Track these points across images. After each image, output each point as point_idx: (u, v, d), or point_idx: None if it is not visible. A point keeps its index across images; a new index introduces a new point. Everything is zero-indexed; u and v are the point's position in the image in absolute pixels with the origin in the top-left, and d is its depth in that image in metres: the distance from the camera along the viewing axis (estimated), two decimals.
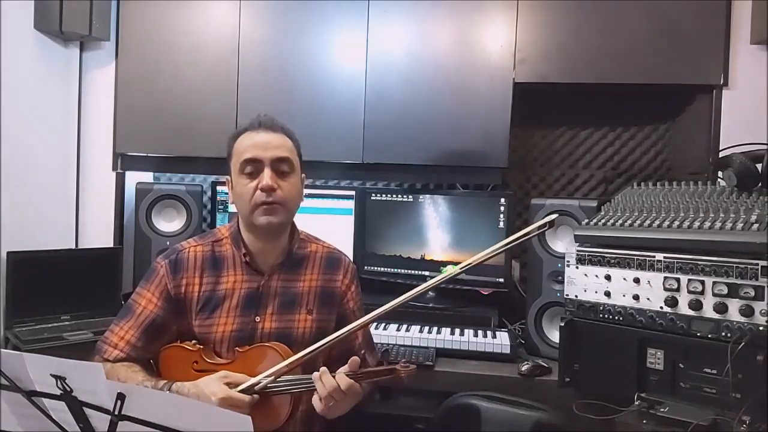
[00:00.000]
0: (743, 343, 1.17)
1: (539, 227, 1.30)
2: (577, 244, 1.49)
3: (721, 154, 1.55)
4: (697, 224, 1.30)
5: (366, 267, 2.27)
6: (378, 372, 1.28)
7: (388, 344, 1.87)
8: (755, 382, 1.17)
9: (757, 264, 1.19)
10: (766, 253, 1.18)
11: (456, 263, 2.13)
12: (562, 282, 1.62)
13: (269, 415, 1.29)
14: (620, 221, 1.44)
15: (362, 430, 1.82)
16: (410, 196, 2.23)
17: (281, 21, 2.22)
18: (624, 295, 1.38)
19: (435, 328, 1.95)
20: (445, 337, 1.88)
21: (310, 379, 1.26)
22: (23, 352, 1.28)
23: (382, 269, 2.26)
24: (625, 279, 1.38)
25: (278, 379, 1.28)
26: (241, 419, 0.93)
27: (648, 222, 1.39)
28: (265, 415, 1.28)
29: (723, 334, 1.23)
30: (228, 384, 1.27)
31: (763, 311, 1.18)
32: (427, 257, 2.19)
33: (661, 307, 1.32)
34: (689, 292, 1.28)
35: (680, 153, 2.25)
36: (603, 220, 1.47)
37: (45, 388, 1.00)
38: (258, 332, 1.41)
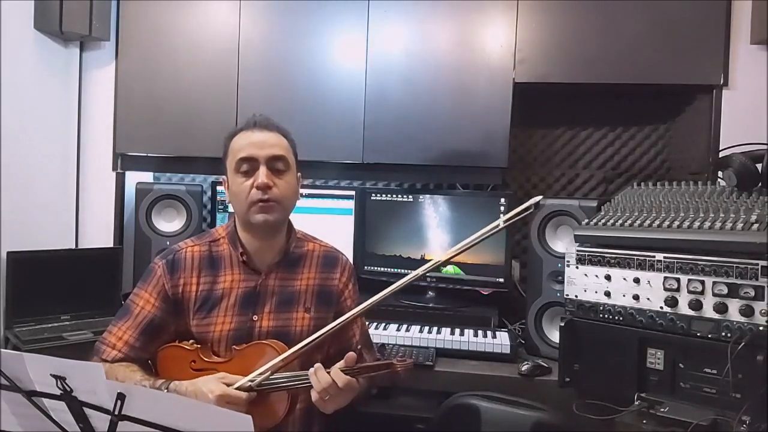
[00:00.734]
0: (743, 343, 1.17)
1: (524, 209, 1.29)
2: (577, 244, 1.49)
3: (721, 154, 1.56)
4: (697, 224, 1.30)
5: (366, 267, 2.27)
6: (375, 367, 1.28)
7: (388, 344, 1.87)
8: (755, 382, 1.17)
9: (757, 264, 1.19)
10: (766, 253, 1.18)
11: (456, 263, 2.14)
12: (562, 282, 1.62)
13: (267, 412, 1.29)
14: (620, 221, 1.44)
15: (362, 430, 1.82)
16: (410, 196, 2.23)
17: (281, 21, 2.22)
18: (624, 295, 1.38)
19: (435, 328, 1.95)
20: (445, 337, 1.88)
21: (307, 375, 1.26)
22: (23, 352, 1.28)
23: (382, 269, 2.26)
24: (625, 279, 1.38)
25: (275, 376, 1.28)
26: (241, 419, 0.93)
27: (648, 222, 1.39)
28: (263, 412, 1.28)
29: (723, 334, 1.22)
30: (226, 384, 1.27)
31: (763, 311, 1.18)
32: (427, 257, 2.19)
33: (661, 307, 1.32)
34: (689, 292, 1.28)
35: (680, 153, 2.25)
36: (603, 220, 1.47)
37: (45, 388, 1.00)
38: (256, 331, 1.41)
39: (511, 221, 1.31)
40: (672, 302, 1.30)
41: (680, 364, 1.31)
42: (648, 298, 1.34)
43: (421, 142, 2.15)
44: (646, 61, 2.02)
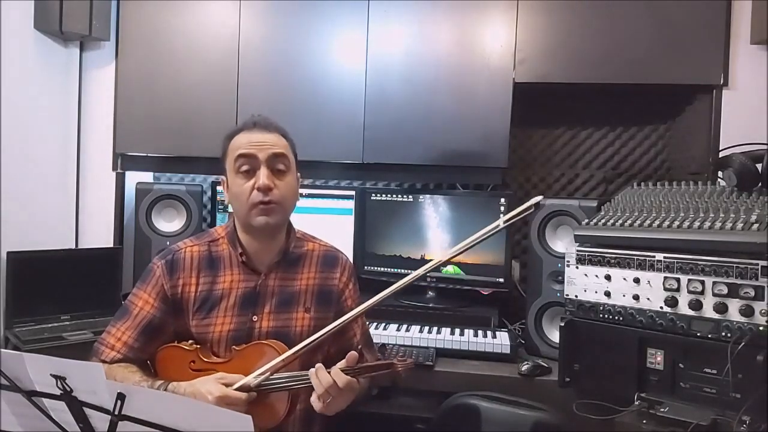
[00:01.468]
0: (743, 343, 1.18)
1: (524, 210, 1.28)
2: (577, 244, 1.49)
3: (721, 154, 1.56)
4: (697, 224, 1.31)
5: (366, 267, 2.27)
6: (375, 367, 1.28)
7: (388, 344, 1.87)
8: (755, 382, 1.17)
9: (757, 264, 1.19)
10: (766, 253, 1.18)
11: (456, 263, 2.14)
12: (562, 282, 1.62)
13: (267, 413, 1.29)
14: (620, 221, 1.44)
15: (362, 430, 1.82)
16: (410, 196, 2.23)
17: (281, 21, 2.22)
18: (624, 295, 1.38)
19: (435, 328, 1.95)
20: (445, 337, 1.88)
21: (307, 375, 1.26)
22: (23, 352, 1.28)
23: (382, 269, 2.26)
24: (625, 279, 1.38)
25: (275, 376, 1.28)
26: (241, 419, 0.93)
27: (648, 222, 1.39)
28: (263, 412, 1.28)
29: (723, 334, 1.23)
30: (225, 384, 1.27)
31: (763, 311, 1.18)
32: (427, 257, 2.19)
33: (661, 307, 1.32)
34: (689, 292, 1.28)
35: (680, 153, 2.25)
36: (603, 220, 1.47)
37: (45, 388, 1.00)
38: (255, 331, 1.41)
39: (511, 221, 1.31)
40: (672, 302, 1.30)
41: (680, 364, 1.32)
42: (648, 298, 1.35)
43: (421, 142, 2.15)
44: (646, 61, 2.02)
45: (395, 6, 2.15)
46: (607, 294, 1.41)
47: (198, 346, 1.40)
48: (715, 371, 1.26)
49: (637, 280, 1.36)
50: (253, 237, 1.45)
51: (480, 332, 1.91)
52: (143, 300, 1.43)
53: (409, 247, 2.22)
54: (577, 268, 1.47)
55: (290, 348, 1.32)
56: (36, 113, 2.18)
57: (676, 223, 1.34)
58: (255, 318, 1.42)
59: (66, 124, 2.34)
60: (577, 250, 1.47)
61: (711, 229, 1.27)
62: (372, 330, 1.90)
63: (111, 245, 2.36)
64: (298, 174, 1.49)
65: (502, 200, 2.10)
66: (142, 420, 0.96)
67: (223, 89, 2.24)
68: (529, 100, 2.18)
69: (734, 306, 1.22)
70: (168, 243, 2.16)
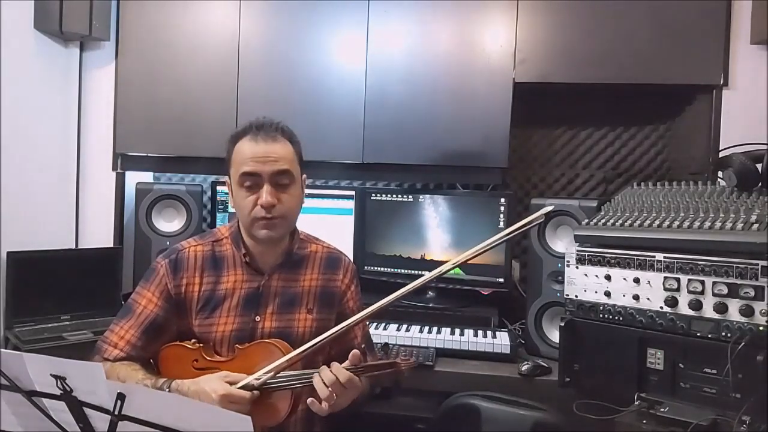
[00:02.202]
0: (743, 343, 1.17)
1: (534, 219, 1.29)
2: (577, 244, 1.49)
3: (721, 154, 1.56)
4: (697, 224, 1.30)
5: (366, 267, 2.27)
6: (378, 366, 1.28)
7: (394, 346, 1.87)
8: (755, 382, 1.17)
9: (757, 264, 1.19)
10: (766, 253, 1.18)
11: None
12: (562, 282, 1.62)
13: (269, 412, 1.29)
14: (620, 221, 1.44)
15: (362, 430, 1.82)
16: (410, 196, 2.23)
17: (281, 21, 2.22)
18: (624, 295, 1.38)
19: (435, 328, 1.95)
20: (445, 337, 1.88)
21: (310, 374, 1.26)
22: (23, 352, 1.28)
23: (382, 269, 2.26)
24: (625, 279, 1.38)
25: (278, 375, 1.28)
26: (241, 419, 0.93)
27: (648, 222, 1.39)
28: (266, 411, 1.28)
29: (723, 334, 1.23)
30: (229, 383, 1.27)
31: (763, 311, 1.18)
32: (427, 257, 2.19)
33: (661, 307, 1.32)
34: (689, 292, 1.28)
35: (680, 153, 2.25)
36: (603, 220, 1.47)
37: (45, 388, 1.00)
38: (258, 332, 1.41)
39: (521, 231, 1.31)
40: (672, 302, 1.30)
41: (680, 364, 1.32)
42: (648, 298, 1.34)
43: (421, 142, 2.15)
44: (646, 61, 2.02)
45: (395, 6, 2.15)
46: (607, 294, 1.41)
47: (201, 345, 1.40)
48: (715, 371, 1.25)
49: (637, 280, 1.36)
50: (256, 242, 1.45)
51: (480, 332, 1.91)
52: (147, 299, 1.43)
53: (409, 247, 2.22)
54: (577, 268, 1.47)
55: (293, 348, 1.32)
56: (36, 113, 2.18)
57: (676, 223, 1.34)
58: (258, 318, 1.42)
59: (66, 124, 2.34)
60: (577, 250, 1.47)
61: (711, 229, 1.27)
62: (372, 330, 1.90)
63: (111, 245, 2.36)
64: (304, 176, 1.48)
65: (502, 200, 2.10)
66: (142, 420, 0.96)
67: (223, 89, 2.24)
68: (529, 100, 2.18)
69: (734, 306, 1.22)
70: (168, 243, 2.16)
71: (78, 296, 2.16)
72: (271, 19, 2.23)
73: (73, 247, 2.37)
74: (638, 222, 1.40)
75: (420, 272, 2.17)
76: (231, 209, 2.33)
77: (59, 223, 2.33)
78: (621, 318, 1.39)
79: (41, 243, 2.16)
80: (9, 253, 2.03)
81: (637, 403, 1.32)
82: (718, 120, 1.98)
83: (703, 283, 1.26)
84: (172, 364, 1.41)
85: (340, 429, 1.51)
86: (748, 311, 1.19)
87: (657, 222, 1.37)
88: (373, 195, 2.29)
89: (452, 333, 1.91)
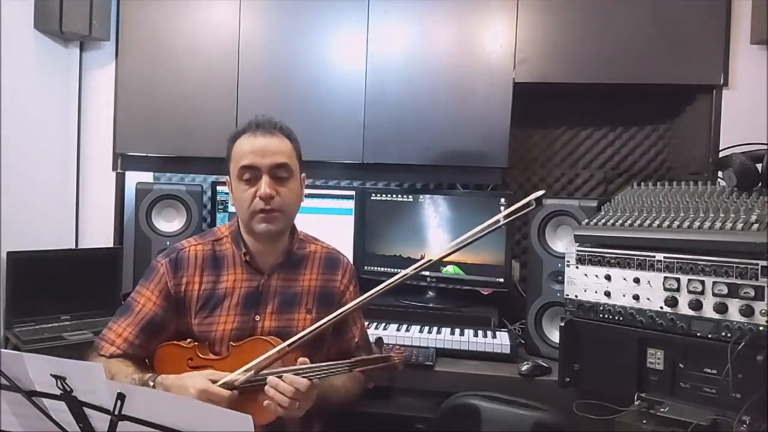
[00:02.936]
0: (743, 343, 1.17)
1: (525, 205, 1.28)
2: (577, 244, 1.49)
3: (721, 154, 1.55)
4: (697, 224, 1.30)
5: (366, 267, 2.27)
6: (373, 360, 1.28)
7: (388, 344, 1.87)
8: (755, 382, 1.17)
9: (757, 264, 1.19)
10: (766, 253, 1.18)
11: (456, 263, 2.14)
12: (562, 282, 1.62)
13: (263, 410, 1.28)
14: (620, 221, 1.44)
15: (362, 430, 1.82)
16: (410, 196, 2.23)
17: (281, 21, 2.22)
18: (624, 295, 1.38)
19: (435, 328, 1.95)
20: (445, 337, 1.88)
21: (289, 371, 1.24)
22: (23, 352, 1.28)
23: (382, 269, 2.26)
24: (625, 279, 1.38)
25: (261, 373, 1.26)
26: (241, 419, 0.93)
27: (648, 222, 1.39)
28: (260, 409, 1.27)
29: (723, 334, 1.22)
30: (212, 381, 1.25)
31: (763, 311, 1.18)
32: (427, 257, 2.18)
33: (661, 307, 1.32)
34: (689, 292, 1.28)
35: (680, 153, 2.25)
36: (603, 220, 1.47)
37: (45, 388, 1.00)
38: (258, 331, 1.41)
39: (511, 218, 1.31)
40: (672, 302, 1.30)
41: (680, 364, 1.31)
42: (648, 298, 1.34)
43: (421, 142, 2.15)
44: (646, 61, 2.02)
45: (395, 6, 2.15)
46: (607, 294, 1.41)
47: (196, 344, 1.40)
48: (715, 371, 1.25)
49: (637, 280, 1.36)
50: (255, 239, 1.45)
51: (480, 332, 1.91)
52: (146, 297, 1.43)
53: (409, 247, 2.22)
54: (577, 268, 1.47)
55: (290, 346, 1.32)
56: (36, 113, 2.18)
57: (676, 223, 1.34)
58: (257, 318, 1.42)
59: (66, 124, 2.34)
60: (577, 250, 1.47)
61: (711, 229, 1.27)
62: (372, 330, 1.91)
63: (111, 245, 2.36)
64: (303, 174, 1.49)
65: (502, 200, 2.10)
66: (142, 420, 0.96)
67: (223, 89, 2.24)
68: (529, 100, 2.18)
69: (734, 306, 1.22)
70: (168, 243, 2.16)
71: (78, 296, 2.16)
72: (271, 19, 2.23)
73: (73, 247, 2.37)
74: (638, 222, 1.40)
75: (420, 272, 2.17)
76: (231, 209, 2.34)
77: (59, 223, 2.33)
78: (621, 318, 1.39)
79: (41, 243, 2.16)
80: (9, 253, 2.03)
81: (637, 403, 1.32)
82: (718, 120, 1.98)
83: (703, 283, 1.26)
84: (167, 362, 1.40)
85: (339, 428, 1.51)
86: (748, 311, 1.19)
87: (657, 222, 1.37)
88: (373, 195, 2.29)
89: (452, 333, 1.91)
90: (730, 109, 1.97)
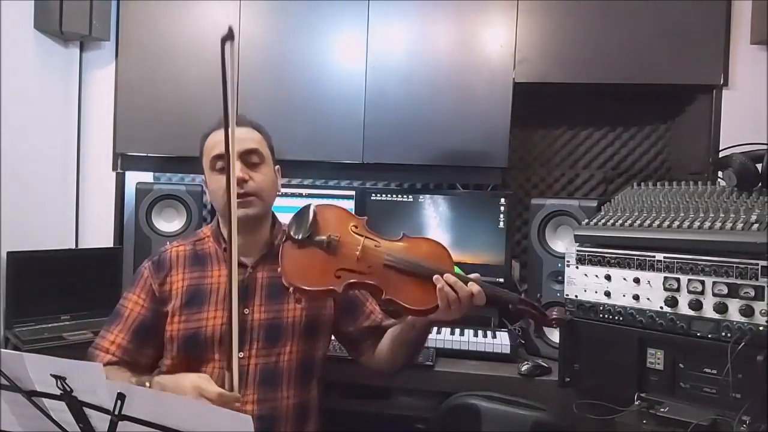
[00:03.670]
0: (743, 343, 1.17)
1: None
2: (577, 244, 1.49)
3: (721, 154, 1.55)
4: (697, 224, 1.30)
5: None
6: (535, 307, 1.38)
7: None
8: (755, 382, 1.17)
9: (757, 264, 1.19)
10: (766, 253, 1.18)
11: (457, 263, 2.13)
12: (562, 282, 1.62)
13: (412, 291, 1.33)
14: (620, 221, 1.44)
15: (362, 430, 1.82)
16: (410, 196, 2.23)
17: (281, 21, 2.22)
18: (624, 295, 1.38)
19: (435, 328, 1.94)
20: (445, 337, 1.88)
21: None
22: (23, 352, 1.28)
23: None
24: (625, 279, 1.38)
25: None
26: (241, 419, 0.93)
27: (648, 222, 1.39)
28: (407, 290, 1.33)
29: (723, 334, 1.22)
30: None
31: (763, 311, 1.18)
32: None
33: (661, 307, 1.32)
34: (689, 292, 1.28)
35: (680, 153, 2.25)
36: (603, 220, 1.47)
37: (45, 388, 1.00)
38: (248, 324, 1.42)
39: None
40: (672, 302, 1.30)
41: (680, 364, 1.32)
42: (648, 298, 1.34)
43: (421, 142, 2.15)
44: (646, 61, 2.02)
45: (395, 6, 2.15)
46: (607, 294, 1.41)
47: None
48: (715, 371, 1.25)
49: (637, 280, 1.36)
50: (237, 233, 1.45)
51: (480, 332, 1.91)
52: (133, 302, 1.45)
53: None
54: (577, 268, 1.47)
55: (282, 340, 1.36)
56: (36, 113, 2.18)
57: (676, 223, 1.34)
58: (246, 311, 1.43)
59: (66, 124, 2.34)
60: (577, 250, 1.47)
61: (711, 229, 1.27)
62: None
63: (111, 245, 2.36)
64: (277, 167, 1.52)
65: (502, 200, 2.10)
66: (142, 420, 0.96)
67: None
68: (529, 100, 2.18)
69: (734, 306, 1.22)
70: (168, 243, 2.15)
71: (78, 296, 2.16)
72: (271, 19, 2.23)
73: (73, 247, 2.37)
74: (638, 222, 1.40)
75: None
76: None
77: (59, 223, 2.33)
78: (621, 318, 1.39)
79: (41, 243, 2.16)
80: (9, 253, 2.03)
81: (637, 403, 1.32)
82: (718, 120, 1.98)
83: (703, 283, 1.26)
84: (310, 271, 1.36)
85: (338, 428, 1.52)
86: (748, 311, 1.19)
87: (657, 222, 1.37)
88: (373, 195, 2.29)
89: (452, 333, 1.91)
90: (730, 109, 1.97)
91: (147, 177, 2.49)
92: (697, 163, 2.08)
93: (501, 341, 1.84)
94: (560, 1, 2.06)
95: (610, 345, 1.40)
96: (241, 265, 1.45)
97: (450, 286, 1.30)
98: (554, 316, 1.38)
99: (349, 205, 2.30)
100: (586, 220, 1.52)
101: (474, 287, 1.32)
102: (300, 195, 2.30)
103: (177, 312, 1.42)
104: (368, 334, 1.53)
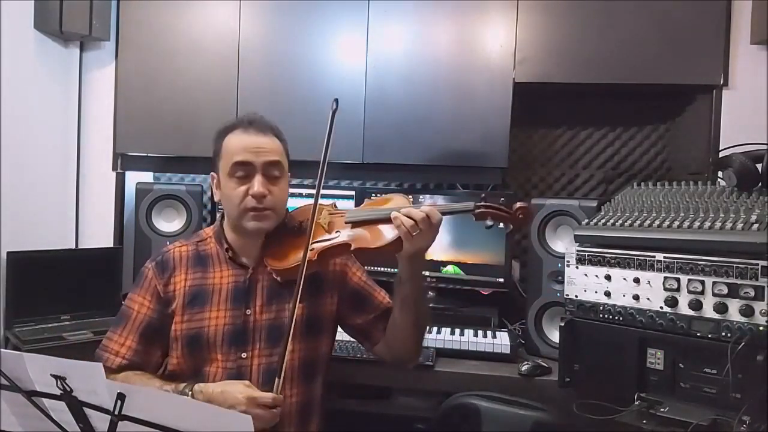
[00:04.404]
0: (743, 343, 1.18)
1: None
2: (577, 244, 1.49)
3: (721, 154, 1.56)
4: (697, 224, 1.31)
5: (366, 267, 2.26)
6: (497, 207, 1.39)
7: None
8: (755, 382, 1.17)
9: (757, 264, 1.19)
10: (766, 253, 1.18)
11: (457, 263, 2.14)
12: (562, 282, 1.62)
13: (374, 237, 1.38)
14: (620, 221, 1.44)
15: (362, 430, 1.82)
16: (410, 196, 2.23)
17: (281, 21, 2.22)
18: (624, 295, 1.38)
19: (435, 328, 1.94)
20: (445, 337, 1.88)
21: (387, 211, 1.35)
22: (23, 352, 1.28)
23: (382, 269, 2.26)
24: (625, 279, 1.38)
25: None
26: (241, 419, 0.93)
27: (648, 222, 1.39)
28: (371, 237, 1.38)
29: (723, 334, 1.23)
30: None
31: (763, 311, 1.18)
32: (427, 257, 2.18)
33: (661, 307, 1.32)
34: (689, 292, 1.28)
35: (680, 153, 2.25)
36: (603, 220, 1.47)
37: (45, 388, 1.00)
38: (251, 325, 1.42)
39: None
40: (672, 302, 1.30)
41: (680, 364, 1.32)
42: (648, 298, 1.35)
43: (421, 142, 2.15)
44: (646, 61, 2.02)
45: (395, 6, 2.15)
46: (607, 294, 1.41)
47: None
48: (715, 371, 1.26)
49: (637, 280, 1.36)
50: (240, 236, 1.46)
51: (480, 332, 1.91)
52: (139, 303, 1.44)
53: None
54: (577, 268, 1.47)
55: (285, 339, 1.35)
56: (36, 113, 2.18)
57: (676, 223, 1.34)
58: (248, 311, 1.42)
59: (66, 124, 2.34)
60: (577, 250, 1.47)
61: (711, 229, 1.27)
62: None
63: (111, 245, 2.36)
64: (289, 174, 1.51)
65: (502, 200, 2.09)
66: (142, 420, 0.96)
67: (223, 89, 2.24)
68: (529, 100, 2.18)
69: (734, 306, 1.22)
70: (168, 243, 2.15)
71: (78, 296, 2.16)
72: (271, 19, 2.23)
73: (73, 247, 2.37)
74: (638, 222, 1.40)
75: None
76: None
77: (59, 223, 2.33)
78: (621, 318, 1.39)
79: (41, 243, 2.16)
80: (9, 253, 2.03)
81: (637, 403, 1.32)
82: (718, 120, 1.98)
83: (703, 283, 1.26)
84: None
85: (338, 428, 1.52)
86: (748, 311, 1.19)
87: (657, 222, 1.37)
88: (374, 195, 2.28)
89: (452, 333, 1.91)
90: (730, 109, 1.97)
91: (147, 177, 2.49)
92: (697, 163, 2.08)
93: (501, 341, 1.84)
94: (560, 1, 2.06)
95: (610, 345, 1.40)
96: (242, 266, 1.46)
97: (405, 215, 1.31)
98: (519, 206, 1.37)
99: (349, 205, 2.30)
100: (586, 220, 1.52)
101: (425, 208, 1.33)
102: (300, 195, 2.30)
103: (180, 312, 1.42)
104: (378, 321, 1.51)
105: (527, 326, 1.94)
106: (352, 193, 2.32)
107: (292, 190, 2.30)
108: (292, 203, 2.19)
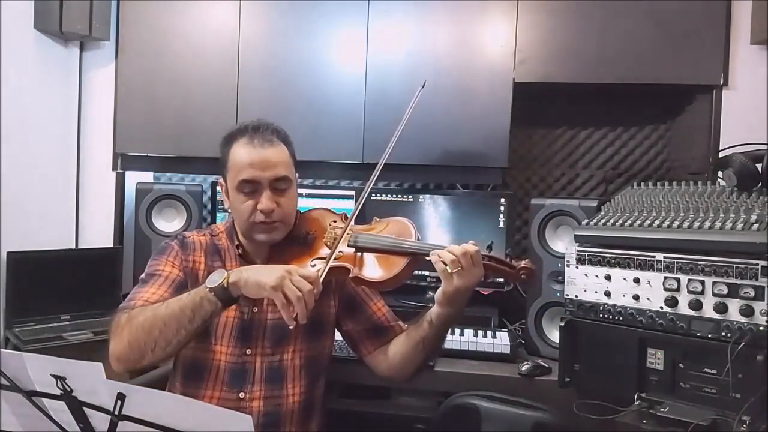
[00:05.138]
0: (743, 343, 1.17)
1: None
2: (577, 244, 1.49)
3: (721, 154, 1.56)
4: (697, 224, 1.30)
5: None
6: (501, 261, 1.35)
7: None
8: (755, 382, 1.17)
9: (757, 264, 1.19)
10: (766, 253, 1.18)
11: None
12: (562, 282, 1.62)
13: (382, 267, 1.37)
14: (620, 221, 1.44)
15: (362, 430, 1.82)
16: (410, 196, 2.23)
17: (281, 21, 2.22)
18: (624, 295, 1.38)
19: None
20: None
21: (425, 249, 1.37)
22: (23, 352, 1.28)
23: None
24: (625, 279, 1.38)
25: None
26: (241, 419, 0.93)
27: (648, 222, 1.39)
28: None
29: (723, 334, 1.22)
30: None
31: (763, 311, 1.18)
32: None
33: (661, 307, 1.32)
34: (689, 292, 1.28)
35: (680, 153, 2.25)
36: (603, 220, 1.47)
37: (45, 388, 1.00)
38: (255, 322, 1.43)
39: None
40: (672, 302, 1.30)
41: (680, 364, 1.31)
42: (648, 298, 1.34)
43: (422, 142, 2.14)
44: (646, 61, 2.02)
45: (395, 6, 2.15)
46: (607, 294, 1.41)
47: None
48: (715, 371, 1.25)
49: (637, 280, 1.36)
50: (249, 241, 1.48)
51: (480, 332, 1.91)
52: (170, 265, 1.43)
53: None
54: (577, 268, 1.47)
55: (291, 335, 1.38)
56: (36, 113, 2.19)
57: (676, 223, 1.34)
58: (256, 309, 1.43)
59: (66, 124, 2.34)
60: (577, 250, 1.47)
61: (711, 229, 1.27)
62: None
63: (111, 245, 2.36)
64: (296, 174, 1.51)
65: (502, 200, 2.10)
66: (142, 420, 0.96)
67: (223, 89, 2.24)
68: (529, 100, 2.18)
69: (734, 306, 1.21)
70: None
71: (78, 296, 2.16)
72: (271, 20, 2.23)
73: (73, 247, 2.37)
74: (638, 222, 1.40)
75: (420, 272, 2.18)
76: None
77: (59, 223, 2.33)
78: (621, 318, 1.39)
79: (41, 243, 2.16)
80: (9, 253, 2.03)
81: (637, 403, 1.32)
82: (718, 120, 1.98)
83: (703, 283, 1.26)
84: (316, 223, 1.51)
85: (338, 428, 1.52)
86: (748, 311, 1.19)
87: (657, 222, 1.37)
88: (373, 195, 2.28)
89: (452, 333, 1.90)
90: (730, 109, 1.97)
91: (147, 177, 2.49)
92: (697, 163, 2.08)
93: (501, 341, 1.84)
94: (560, 1, 2.06)
95: (610, 345, 1.40)
96: (251, 263, 1.46)
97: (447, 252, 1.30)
98: (522, 265, 1.35)
99: (349, 205, 2.30)
100: (586, 220, 1.52)
101: (465, 246, 1.30)
102: (300, 195, 2.29)
103: None
104: (368, 335, 1.52)
105: (527, 326, 1.94)
106: (352, 193, 2.31)
107: None
108: None
